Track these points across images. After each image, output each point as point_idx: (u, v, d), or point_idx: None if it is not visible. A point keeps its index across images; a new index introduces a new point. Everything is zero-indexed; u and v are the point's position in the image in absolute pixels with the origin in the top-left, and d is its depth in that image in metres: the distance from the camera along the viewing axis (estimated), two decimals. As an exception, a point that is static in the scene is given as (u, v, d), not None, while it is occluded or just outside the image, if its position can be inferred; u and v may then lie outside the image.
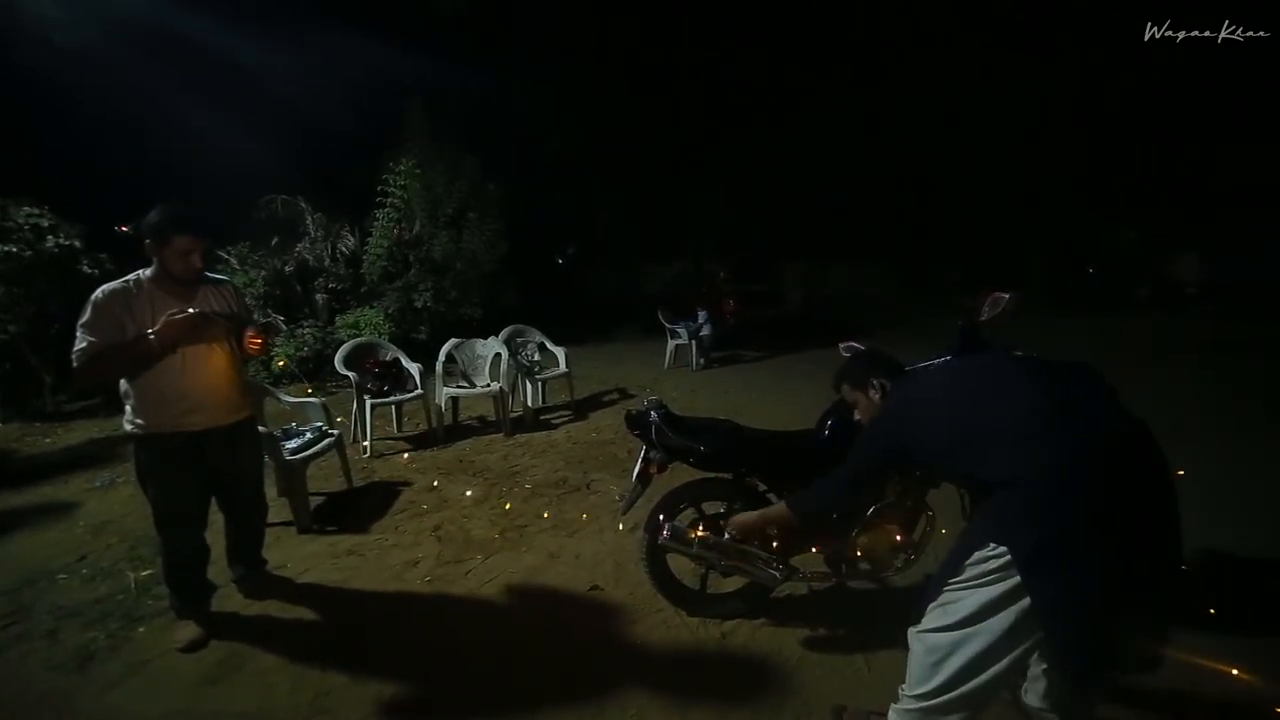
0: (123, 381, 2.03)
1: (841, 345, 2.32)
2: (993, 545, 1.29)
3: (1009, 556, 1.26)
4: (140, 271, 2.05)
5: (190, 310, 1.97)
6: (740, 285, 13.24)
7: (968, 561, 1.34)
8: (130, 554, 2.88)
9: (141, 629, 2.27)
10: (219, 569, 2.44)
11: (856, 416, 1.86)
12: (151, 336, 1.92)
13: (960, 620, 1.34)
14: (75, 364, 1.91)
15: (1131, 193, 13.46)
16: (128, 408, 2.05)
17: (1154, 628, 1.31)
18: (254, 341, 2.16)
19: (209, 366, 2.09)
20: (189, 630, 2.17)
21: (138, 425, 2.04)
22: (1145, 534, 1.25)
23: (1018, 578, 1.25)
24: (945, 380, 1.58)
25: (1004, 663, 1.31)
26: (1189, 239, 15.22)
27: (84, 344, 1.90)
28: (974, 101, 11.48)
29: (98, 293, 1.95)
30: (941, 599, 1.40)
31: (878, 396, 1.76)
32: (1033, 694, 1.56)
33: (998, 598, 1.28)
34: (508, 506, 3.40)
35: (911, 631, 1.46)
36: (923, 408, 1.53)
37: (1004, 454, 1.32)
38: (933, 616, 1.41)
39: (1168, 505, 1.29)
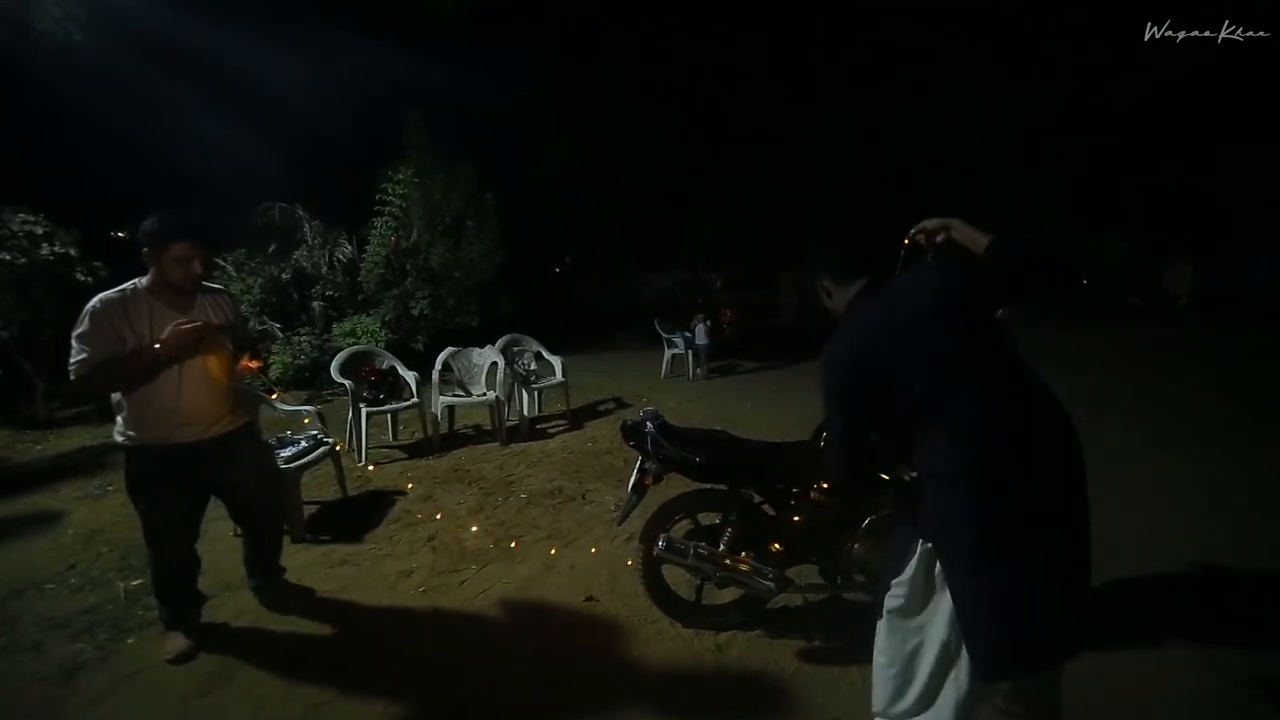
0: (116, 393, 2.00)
1: None
2: (923, 542, 1.32)
3: (937, 553, 1.30)
4: (136, 281, 2.00)
5: (198, 322, 1.95)
6: (737, 295, 13.29)
7: (904, 559, 1.36)
8: (120, 563, 2.85)
9: (130, 640, 2.25)
10: (210, 580, 2.42)
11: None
12: (158, 348, 1.89)
13: (903, 621, 1.36)
14: (73, 376, 1.87)
15: (1124, 202, 13.61)
16: (119, 419, 2.01)
17: (1072, 622, 1.32)
18: (248, 366, 2.14)
19: (204, 380, 2.06)
20: (178, 642, 2.14)
21: (129, 437, 2.01)
22: (1061, 530, 1.28)
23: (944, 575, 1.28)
24: (895, 340, 1.37)
25: (966, 679, 1.31)
26: (1180, 248, 15.38)
27: (82, 355, 1.85)
28: (968, 113, 11.60)
29: (94, 302, 1.90)
30: (888, 601, 1.42)
31: (827, 300, 1.58)
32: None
33: (935, 597, 1.31)
34: (502, 517, 3.39)
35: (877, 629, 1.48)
36: (875, 373, 1.37)
37: (939, 443, 1.32)
38: (884, 622, 1.43)
39: (1080, 498, 1.31)
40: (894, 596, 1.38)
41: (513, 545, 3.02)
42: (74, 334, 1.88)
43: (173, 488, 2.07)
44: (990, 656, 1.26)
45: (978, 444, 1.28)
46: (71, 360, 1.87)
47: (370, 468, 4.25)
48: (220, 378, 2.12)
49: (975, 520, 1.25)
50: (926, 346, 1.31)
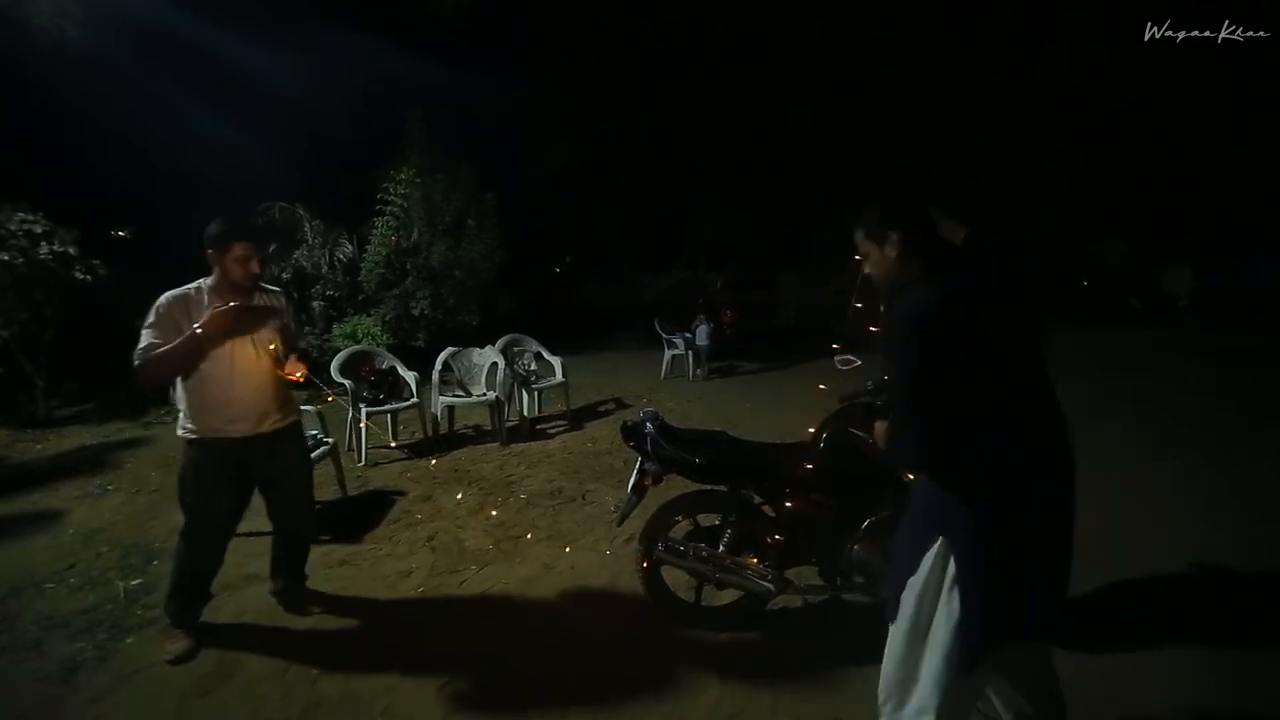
0: (179, 387, 2.12)
1: (838, 358, 2.33)
2: (940, 539, 1.31)
3: (950, 549, 1.29)
4: (202, 281, 2.16)
5: (232, 303, 2.06)
6: (737, 295, 13.28)
7: (917, 559, 1.35)
8: (120, 563, 2.86)
9: (130, 639, 2.25)
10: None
11: (867, 270, 1.58)
12: (198, 330, 2.02)
13: (916, 621, 1.35)
14: (136, 361, 2.03)
15: (1124, 203, 13.61)
16: (181, 413, 2.15)
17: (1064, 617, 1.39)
18: (292, 374, 2.21)
19: (255, 374, 2.15)
20: (180, 642, 2.16)
21: (188, 430, 2.12)
22: (1059, 528, 1.32)
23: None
24: (969, 321, 1.33)
25: (967, 683, 1.31)
26: (1180, 249, 15.37)
27: (144, 344, 2.03)
28: (968, 113, 11.60)
29: (161, 298, 2.10)
30: (902, 602, 1.40)
31: (894, 253, 1.46)
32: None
33: (945, 598, 1.30)
34: (502, 517, 3.39)
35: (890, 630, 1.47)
36: (946, 357, 1.30)
37: (945, 442, 1.30)
38: (896, 624, 1.42)
39: (1073, 497, 1.34)
40: (908, 598, 1.38)
41: (513, 546, 3.02)
42: (143, 326, 2.05)
43: (223, 482, 2.16)
44: (984, 650, 1.29)
45: (984, 445, 1.28)
46: (137, 348, 2.03)
47: (370, 468, 4.25)
48: (270, 373, 2.20)
49: (978, 520, 1.26)
50: (963, 345, 1.29)
